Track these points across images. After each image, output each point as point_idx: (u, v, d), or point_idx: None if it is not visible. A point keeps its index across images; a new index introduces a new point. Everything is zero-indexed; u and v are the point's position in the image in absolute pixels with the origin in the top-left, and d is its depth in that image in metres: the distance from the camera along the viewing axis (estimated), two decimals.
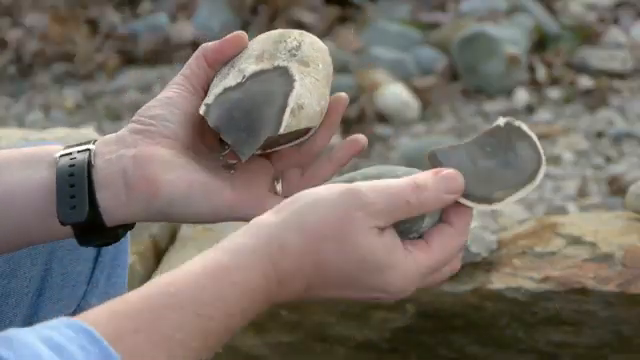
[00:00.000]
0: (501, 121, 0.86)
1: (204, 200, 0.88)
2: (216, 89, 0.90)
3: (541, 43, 3.49)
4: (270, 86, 0.89)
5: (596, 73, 3.31)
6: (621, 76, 3.30)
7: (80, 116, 3.34)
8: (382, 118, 3.13)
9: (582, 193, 2.70)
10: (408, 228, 0.82)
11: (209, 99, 0.90)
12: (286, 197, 0.84)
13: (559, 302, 1.54)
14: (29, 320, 1.03)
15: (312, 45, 0.93)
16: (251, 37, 0.96)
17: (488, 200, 0.85)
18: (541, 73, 3.31)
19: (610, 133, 2.99)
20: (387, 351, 1.63)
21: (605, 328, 1.53)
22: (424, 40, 3.51)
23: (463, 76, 3.30)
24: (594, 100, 3.17)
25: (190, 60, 0.94)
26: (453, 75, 3.33)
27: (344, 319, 1.63)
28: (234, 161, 0.91)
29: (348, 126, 3.09)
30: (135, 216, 0.89)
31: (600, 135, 2.99)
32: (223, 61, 0.93)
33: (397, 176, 0.85)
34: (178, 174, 0.88)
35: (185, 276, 0.77)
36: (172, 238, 1.86)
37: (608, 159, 2.87)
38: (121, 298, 0.76)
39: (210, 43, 0.94)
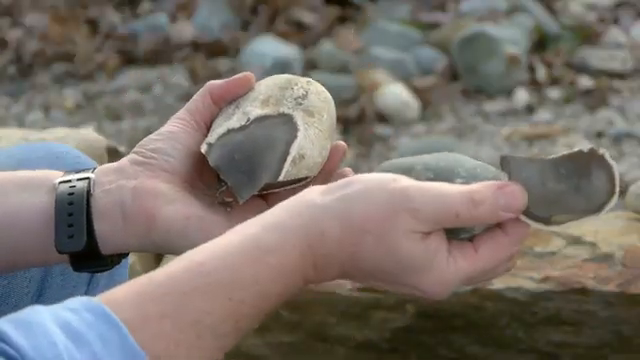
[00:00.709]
0: (585, 147, 0.81)
1: (200, 233, 0.87)
2: (219, 129, 0.91)
3: (541, 43, 3.49)
4: (273, 132, 0.90)
5: (596, 73, 3.31)
6: (621, 76, 3.31)
7: (80, 116, 3.34)
8: (382, 118, 3.13)
9: None
10: (459, 229, 0.80)
11: (211, 138, 0.91)
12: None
13: (559, 302, 1.54)
14: None
15: (318, 95, 0.93)
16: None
17: (546, 221, 0.83)
18: (541, 73, 3.31)
19: (610, 133, 2.99)
20: (387, 351, 1.63)
21: (605, 328, 1.53)
22: (424, 40, 3.51)
23: (463, 76, 3.30)
24: (594, 100, 3.17)
25: (195, 96, 0.94)
26: (453, 75, 3.33)
27: (344, 319, 1.63)
28: (230, 199, 0.91)
29: (348, 126, 3.09)
30: (130, 246, 0.90)
31: (600, 135, 2.99)
32: (228, 99, 0.94)
33: (457, 177, 0.83)
34: (176, 207, 0.88)
35: (220, 255, 0.75)
36: None
37: None
38: (147, 277, 0.74)
39: (217, 81, 0.94)
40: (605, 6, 3.74)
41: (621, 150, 2.91)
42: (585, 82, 3.26)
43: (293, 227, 0.77)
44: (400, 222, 0.78)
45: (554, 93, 3.24)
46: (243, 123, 0.90)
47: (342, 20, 3.70)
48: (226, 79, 0.94)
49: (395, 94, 3.15)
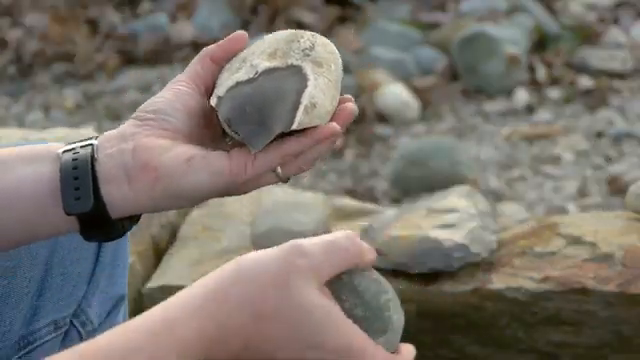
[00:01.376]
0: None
1: (204, 172, 0.88)
2: (228, 82, 0.91)
3: (541, 43, 3.49)
4: (283, 83, 0.90)
5: (596, 73, 3.31)
6: (621, 76, 3.31)
7: (80, 116, 3.33)
8: (382, 118, 3.13)
9: (582, 193, 2.70)
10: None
11: (220, 91, 0.91)
12: (283, 179, 0.88)
13: (559, 302, 1.54)
14: (29, 320, 1.03)
15: (325, 47, 0.94)
16: (251, 37, 0.96)
17: None
18: (541, 73, 3.31)
19: (610, 133, 2.99)
20: None
21: (605, 328, 1.53)
22: (424, 40, 3.51)
23: (463, 76, 3.30)
24: (594, 100, 3.17)
25: (193, 61, 0.95)
26: (453, 75, 3.33)
27: None
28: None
29: (348, 126, 3.08)
30: (140, 206, 0.90)
31: (600, 135, 2.99)
32: (228, 59, 0.94)
33: None
34: (175, 152, 0.89)
35: (122, 332, 0.79)
36: (172, 238, 1.86)
37: (608, 159, 2.87)
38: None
39: (213, 45, 0.95)
40: (605, 6, 3.74)
41: (621, 150, 2.91)
42: (585, 82, 3.26)
43: (194, 299, 0.79)
44: (298, 268, 0.79)
45: (554, 93, 3.24)
46: (251, 76, 0.91)
47: (342, 20, 3.70)
48: (224, 39, 0.95)
49: (395, 94, 3.15)
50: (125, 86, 3.43)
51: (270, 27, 3.55)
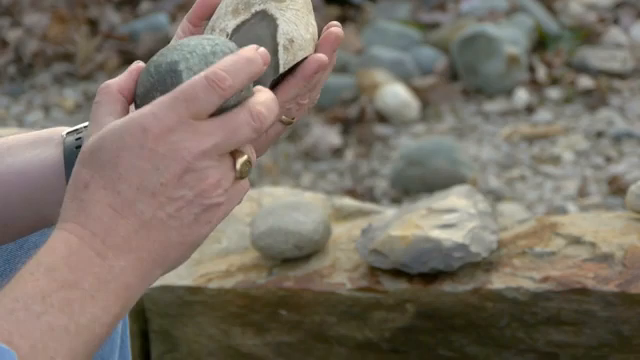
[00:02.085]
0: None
1: None
2: None
3: (541, 43, 3.49)
4: (255, 33, 0.90)
5: (596, 73, 3.31)
6: (621, 76, 3.31)
7: (80, 116, 3.34)
8: (382, 118, 3.13)
9: (582, 193, 2.70)
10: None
11: None
12: (286, 122, 0.90)
13: (559, 302, 1.54)
14: None
15: None
16: None
17: None
18: (541, 73, 3.31)
19: (610, 133, 2.99)
20: (387, 351, 1.63)
21: (605, 328, 1.53)
22: (424, 40, 3.51)
23: (463, 76, 3.30)
24: (594, 100, 3.17)
25: (177, 32, 0.96)
26: (453, 75, 3.33)
27: (344, 319, 1.63)
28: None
29: (348, 126, 3.09)
30: None
31: (600, 135, 2.99)
32: (205, 17, 0.95)
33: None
34: None
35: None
36: None
37: (608, 159, 2.87)
38: None
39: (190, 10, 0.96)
40: (605, 6, 3.74)
41: (621, 150, 2.91)
42: (585, 82, 3.26)
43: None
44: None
45: (554, 93, 3.24)
46: None
47: (342, 20, 3.70)
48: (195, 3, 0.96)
49: (395, 94, 3.15)
50: None
51: None
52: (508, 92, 3.24)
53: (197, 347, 1.71)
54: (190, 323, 1.70)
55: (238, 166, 0.80)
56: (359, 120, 3.10)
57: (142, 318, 1.72)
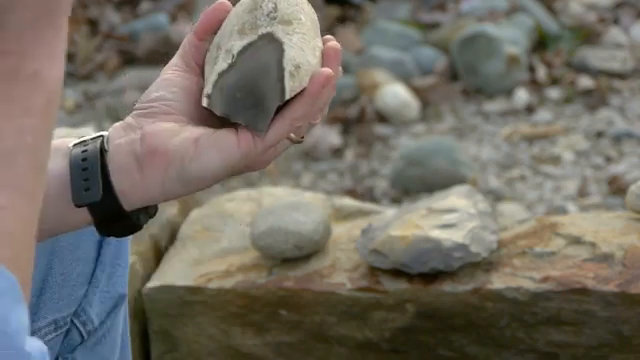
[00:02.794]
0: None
1: (213, 150, 0.87)
2: (211, 77, 0.91)
3: (541, 43, 3.49)
4: (262, 57, 0.89)
5: (596, 73, 3.31)
6: (621, 76, 3.31)
7: (80, 116, 3.33)
8: (382, 118, 3.13)
9: (582, 193, 2.70)
10: None
11: (208, 89, 0.90)
12: (295, 140, 0.89)
13: (559, 302, 1.54)
14: (29, 320, 1.03)
15: (288, 1, 0.92)
16: None
17: None
18: (541, 73, 3.31)
19: (610, 133, 2.99)
20: (387, 351, 1.63)
21: (605, 328, 1.53)
22: (424, 40, 3.51)
23: (463, 76, 3.30)
24: (594, 100, 3.17)
25: (182, 45, 0.96)
26: (453, 75, 3.33)
27: (344, 319, 1.63)
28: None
29: (348, 126, 3.09)
30: (152, 195, 0.89)
31: (600, 135, 2.99)
32: (212, 31, 0.94)
33: None
34: (183, 135, 0.88)
35: None
36: (172, 238, 1.86)
37: (608, 159, 2.87)
38: None
39: (197, 22, 0.95)
40: (605, 6, 3.74)
41: (621, 150, 2.91)
42: (585, 82, 3.26)
43: None
44: None
45: (554, 93, 3.24)
46: (230, 62, 0.90)
47: (342, 20, 3.70)
48: (202, 15, 0.95)
49: (395, 94, 3.15)
50: (125, 86, 3.43)
51: None
52: (508, 92, 3.24)
53: (197, 347, 1.71)
54: (190, 323, 1.70)
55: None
56: (359, 120, 3.10)
57: (142, 318, 1.72)
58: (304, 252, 1.66)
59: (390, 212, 1.80)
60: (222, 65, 0.90)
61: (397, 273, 1.61)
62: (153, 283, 1.71)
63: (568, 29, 3.58)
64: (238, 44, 0.90)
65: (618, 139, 2.96)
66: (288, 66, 0.88)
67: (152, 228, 1.83)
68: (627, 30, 3.57)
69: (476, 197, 1.67)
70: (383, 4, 3.82)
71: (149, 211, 0.93)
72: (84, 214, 0.89)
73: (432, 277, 1.59)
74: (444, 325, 1.60)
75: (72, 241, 1.06)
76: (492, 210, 1.68)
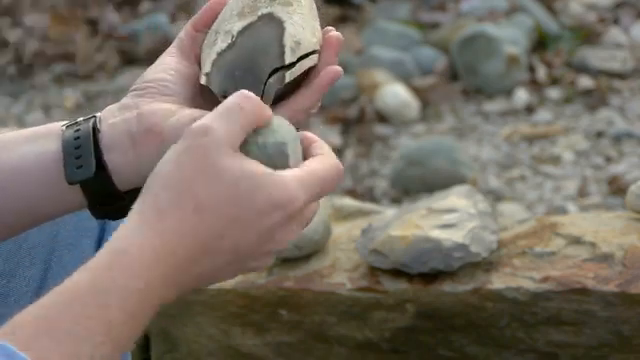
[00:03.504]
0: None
1: None
2: (210, 57, 0.91)
3: (541, 43, 3.49)
4: (261, 35, 0.89)
5: (596, 73, 3.31)
6: (621, 76, 3.31)
7: (80, 116, 3.33)
8: (382, 118, 3.13)
9: (582, 193, 2.70)
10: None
11: (206, 68, 0.90)
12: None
13: (559, 302, 1.54)
14: None
15: None
16: None
17: None
18: (541, 73, 3.31)
19: (610, 133, 2.99)
20: (387, 351, 1.63)
21: (605, 328, 1.53)
22: (424, 40, 3.51)
23: (463, 76, 3.30)
24: (594, 100, 3.17)
25: (179, 35, 0.96)
26: (453, 75, 3.33)
27: (344, 319, 1.63)
28: None
29: (348, 126, 3.09)
30: (146, 174, 0.88)
31: (600, 135, 2.99)
32: (210, 23, 0.94)
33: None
34: (181, 114, 0.88)
35: (80, 275, 0.76)
36: None
37: (608, 159, 2.87)
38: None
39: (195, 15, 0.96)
40: (605, 6, 3.74)
41: (621, 150, 2.91)
42: (585, 82, 3.26)
43: (135, 227, 0.78)
44: (207, 144, 0.79)
45: (554, 93, 3.24)
46: (229, 41, 0.90)
47: (342, 20, 3.70)
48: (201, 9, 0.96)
49: (395, 94, 3.15)
50: (125, 86, 3.43)
51: None
52: (508, 92, 3.24)
53: (197, 347, 1.71)
54: (190, 323, 1.70)
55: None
56: (359, 120, 3.10)
57: None
58: (304, 252, 1.66)
59: (390, 212, 1.80)
60: (221, 45, 0.90)
61: (397, 273, 1.61)
62: None
63: (568, 29, 3.58)
64: (238, 25, 0.91)
65: (618, 139, 2.96)
66: (288, 42, 0.88)
67: None
68: (627, 30, 3.57)
69: (476, 197, 1.67)
70: (383, 4, 3.82)
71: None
72: (78, 194, 0.89)
73: (432, 277, 1.59)
74: (444, 325, 1.60)
75: (71, 241, 1.06)
76: (492, 210, 1.68)
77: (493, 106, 3.19)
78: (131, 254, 0.76)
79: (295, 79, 0.89)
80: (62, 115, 3.33)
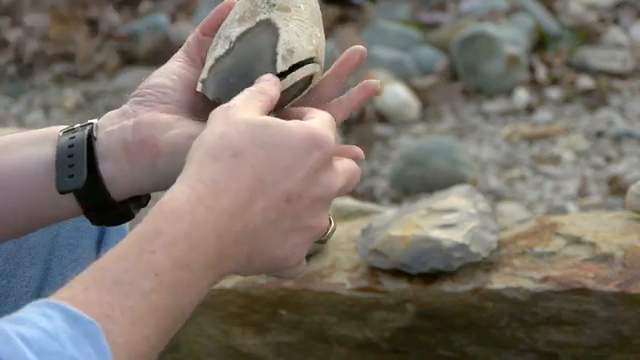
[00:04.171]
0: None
1: None
2: (208, 62, 0.91)
3: (541, 43, 3.49)
4: (258, 42, 0.89)
5: (596, 73, 3.31)
6: (621, 76, 3.31)
7: (80, 116, 3.34)
8: (382, 118, 3.13)
9: (582, 193, 2.70)
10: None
11: (203, 74, 0.90)
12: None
13: (559, 302, 1.54)
14: None
15: None
16: None
17: None
18: (541, 73, 3.31)
19: (610, 133, 2.99)
20: (387, 351, 1.63)
21: (605, 328, 1.53)
22: (424, 40, 3.51)
23: (463, 76, 3.30)
24: (594, 100, 3.18)
25: (187, 39, 0.96)
26: (453, 75, 3.33)
27: (344, 319, 1.63)
28: None
29: (348, 126, 3.09)
30: (139, 184, 0.88)
31: (600, 135, 2.99)
32: (217, 27, 0.94)
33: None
34: (178, 130, 0.87)
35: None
36: None
37: (608, 159, 2.87)
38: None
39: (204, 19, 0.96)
40: (605, 6, 3.74)
41: (621, 150, 2.91)
42: (585, 82, 3.26)
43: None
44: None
45: (554, 93, 3.24)
46: (227, 47, 0.90)
47: (342, 20, 3.70)
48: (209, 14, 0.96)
49: (395, 94, 3.15)
50: (125, 86, 3.43)
51: None
52: (508, 92, 3.24)
53: (197, 347, 1.71)
54: (190, 323, 1.70)
55: (332, 225, 0.85)
56: (359, 120, 3.10)
57: None
58: None
59: (390, 212, 1.80)
60: (220, 50, 0.90)
61: (397, 273, 1.61)
62: None
63: (568, 29, 3.58)
64: (237, 30, 0.90)
65: (618, 139, 2.96)
66: (281, 49, 0.88)
67: None
68: (627, 30, 3.57)
69: (476, 197, 1.67)
70: (383, 4, 3.82)
71: (141, 201, 0.92)
72: (73, 201, 0.88)
73: (432, 277, 1.59)
74: (444, 325, 1.60)
75: (71, 241, 1.06)
76: (492, 210, 1.68)
77: (493, 106, 3.19)
78: (176, 199, 0.76)
79: (294, 86, 0.89)
80: (62, 115, 3.34)
